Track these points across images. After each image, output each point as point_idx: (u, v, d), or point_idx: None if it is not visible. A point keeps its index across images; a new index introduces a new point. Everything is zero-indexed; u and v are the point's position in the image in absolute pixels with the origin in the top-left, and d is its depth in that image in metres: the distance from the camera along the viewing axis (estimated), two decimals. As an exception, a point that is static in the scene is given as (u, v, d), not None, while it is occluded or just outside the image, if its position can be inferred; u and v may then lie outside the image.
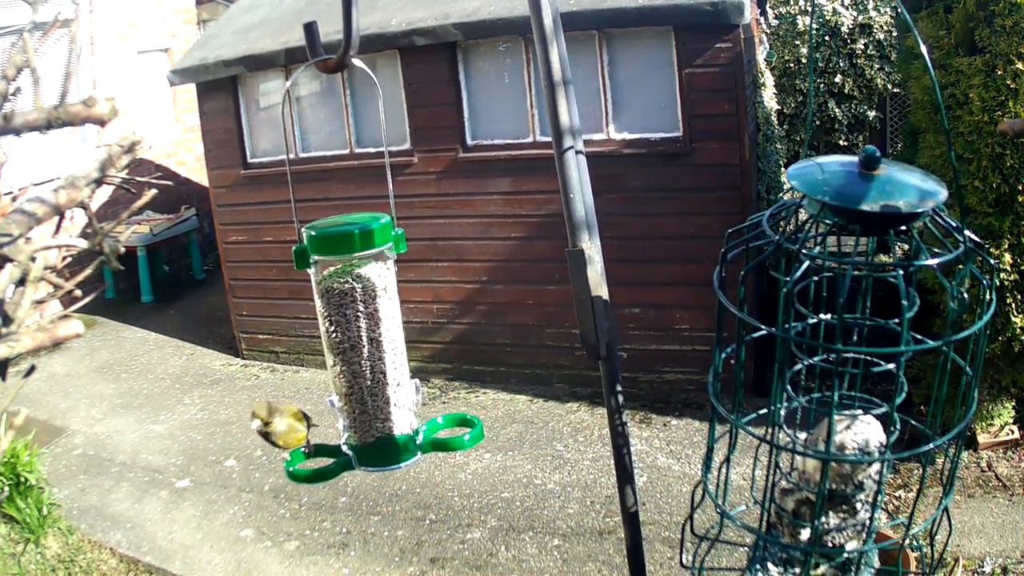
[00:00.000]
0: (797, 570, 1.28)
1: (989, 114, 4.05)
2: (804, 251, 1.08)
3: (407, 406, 1.66)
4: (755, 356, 4.99)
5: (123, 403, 6.09)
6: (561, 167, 1.79)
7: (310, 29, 1.58)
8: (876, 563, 1.31)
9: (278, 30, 6.12)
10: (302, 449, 1.70)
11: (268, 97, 6.47)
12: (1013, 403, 4.49)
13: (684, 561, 1.36)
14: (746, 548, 1.37)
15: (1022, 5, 3.95)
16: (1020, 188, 4.08)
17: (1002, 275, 4.15)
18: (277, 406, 1.64)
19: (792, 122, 8.15)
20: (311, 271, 1.61)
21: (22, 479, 4.45)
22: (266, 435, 1.63)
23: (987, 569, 3.69)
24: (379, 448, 1.64)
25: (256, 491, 4.83)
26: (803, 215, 1.14)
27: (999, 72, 4.01)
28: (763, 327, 1.15)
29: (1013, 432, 4.49)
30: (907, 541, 1.31)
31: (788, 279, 1.07)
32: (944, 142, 4.28)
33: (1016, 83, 3.99)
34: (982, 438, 4.48)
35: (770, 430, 1.23)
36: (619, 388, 1.83)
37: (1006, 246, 4.14)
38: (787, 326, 1.16)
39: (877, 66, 7.86)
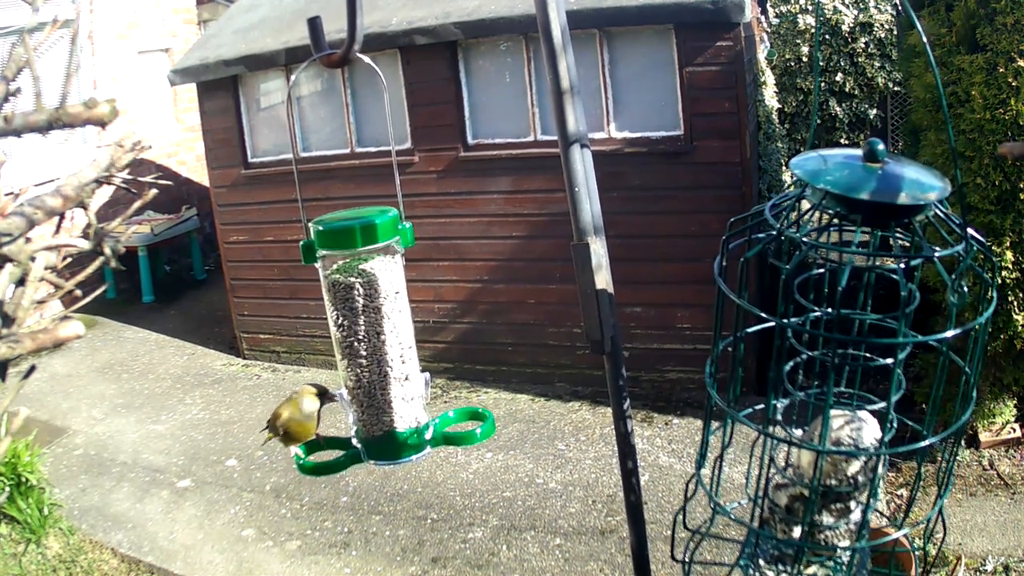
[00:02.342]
0: (788, 568, 1.27)
1: (991, 112, 4.04)
2: (805, 240, 1.08)
3: (416, 400, 1.66)
4: (756, 353, 4.99)
5: (124, 403, 6.09)
6: (567, 162, 1.80)
7: (314, 24, 1.58)
8: (869, 564, 1.30)
9: (278, 29, 6.12)
10: (315, 437, 1.71)
11: (269, 96, 6.47)
12: (1015, 401, 4.49)
13: (675, 555, 1.36)
14: (739, 543, 1.36)
15: (1023, 3, 3.94)
16: (1022, 186, 4.07)
17: (1003, 273, 4.14)
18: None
19: (793, 121, 8.15)
20: (318, 266, 1.61)
21: (23, 479, 4.45)
22: (285, 422, 1.66)
23: (989, 567, 3.69)
24: (387, 442, 1.64)
25: (257, 491, 4.83)
26: (805, 206, 1.14)
27: (1000, 70, 4.01)
28: (763, 314, 1.14)
29: (1015, 431, 4.48)
30: (901, 541, 1.30)
31: (787, 267, 1.06)
32: (945, 140, 4.27)
33: (1017, 81, 3.99)
34: (984, 436, 4.48)
35: (766, 423, 1.23)
36: (624, 384, 1.83)
37: (1008, 244, 4.14)
38: (786, 320, 1.16)
39: (878, 64, 7.85)
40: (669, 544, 3.99)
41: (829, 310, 1.21)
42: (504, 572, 3.99)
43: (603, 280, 1.80)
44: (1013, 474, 4.28)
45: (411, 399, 1.65)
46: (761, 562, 1.29)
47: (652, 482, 4.56)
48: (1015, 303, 4.19)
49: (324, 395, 1.69)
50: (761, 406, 1.28)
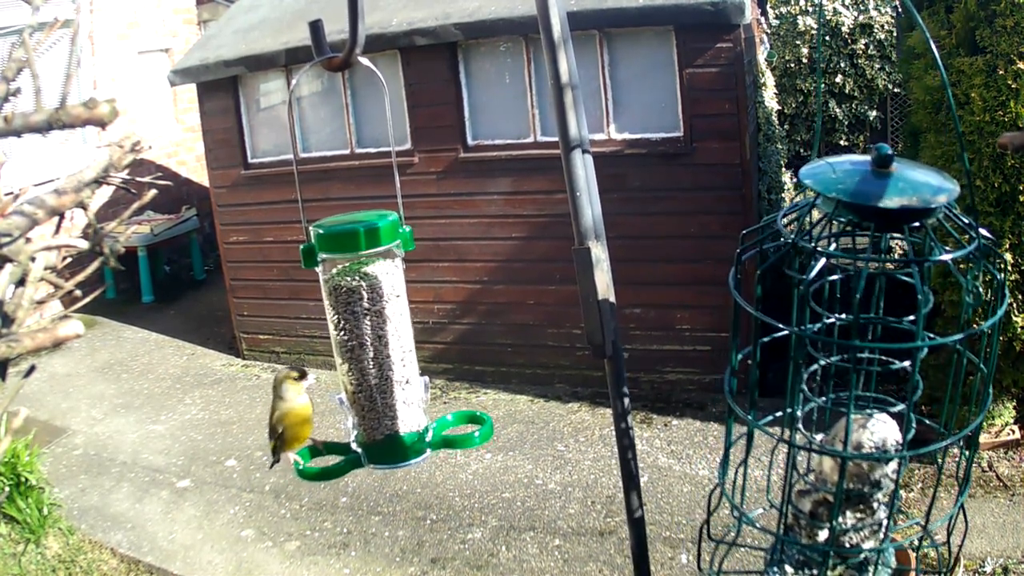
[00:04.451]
0: (814, 572, 1.28)
1: (990, 114, 4.05)
2: (819, 249, 1.08)
3: (416, 404, 1.66)
4: (761, 356, 4.99)
5: (124, 403, 6.09)
6: (568, 167, 1.80)
7: (315, 27, 1.58)
8: (893, 563, 1.31)
9: (278, 30, 6.11)
10: (312, 443, 1.72)
11: (269, 97, 6.46)
12: (1014, 403, 4.49)
13: (701, 565, 1.36)
14: (763, 551, 1.37)
15: (1023, 5, 3.95)
16: (1021, 188, 4.08)
17: (1003, 274, 4.15)
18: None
19: (793, 122, 8.15)
20: (318, 269, 1.61)
21: (22, 479, 4.44)
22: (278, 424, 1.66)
23: (988, 569, 3.69)
24: (388, 446, 1.64)
25: (257, 491, 4.83)
26: (816, 215, 1.14)
27: (1000, 72, 4.01)
28: (781, 326, 1.15)
29: (1014, 432, 4.48)
30: (923, 540, 1.31)
31: (804, 277, 1.07)
32: (944, 142, 4.28)
33: (1017, 83, 3.99)
34: (983, 438, 4.48)
35: (786, 430, 1.23)
36: (626, 390, 1.83)
37: (1007, 246, 4.15)
38: (802, 327, 1.16)
39: (878, 66, 7.86)
40: (668, 545, 4.00)
41: (844, 316, 1.21)
42: (503, 573, 3.99)
43: (604, 284, 1.80)
44: (1012, 476, 4.28)
45: (411, 403, 1.65)
46: (788, 568, 1.30)
47: (651, 483, 4.56)
48: (1015, 305, 4.20)
49: (302, 376, 1.71)
50: (779, 413, 1.29)
